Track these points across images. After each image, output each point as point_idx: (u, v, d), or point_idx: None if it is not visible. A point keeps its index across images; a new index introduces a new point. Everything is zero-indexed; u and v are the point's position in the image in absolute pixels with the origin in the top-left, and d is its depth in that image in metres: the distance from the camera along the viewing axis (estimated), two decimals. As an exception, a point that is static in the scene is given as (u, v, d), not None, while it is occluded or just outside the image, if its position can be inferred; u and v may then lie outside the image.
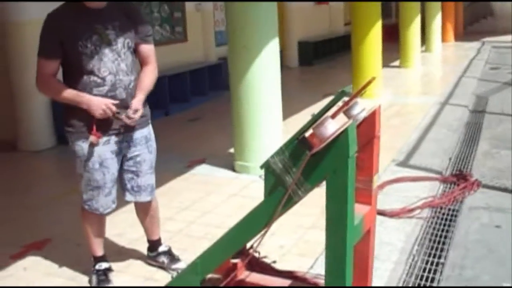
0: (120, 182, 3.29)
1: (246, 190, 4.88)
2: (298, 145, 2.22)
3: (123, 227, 4.09)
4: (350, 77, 10.92)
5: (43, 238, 4.08)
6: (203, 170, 5.54)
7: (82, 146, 3.07)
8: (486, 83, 10.80)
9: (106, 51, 3.01)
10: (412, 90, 10.53)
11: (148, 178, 3.30)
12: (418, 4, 13.48)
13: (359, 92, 2.35)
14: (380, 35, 9.23)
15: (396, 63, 13.26)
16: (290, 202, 2.27)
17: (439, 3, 16.34)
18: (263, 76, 5.10)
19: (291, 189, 2.23)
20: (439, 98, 8.84)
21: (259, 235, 2.39)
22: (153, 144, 3.31)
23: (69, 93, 2.99)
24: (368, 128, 2.47)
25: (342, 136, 2.12)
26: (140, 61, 3.26)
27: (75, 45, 2.96)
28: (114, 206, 3.27)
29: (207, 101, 9.38)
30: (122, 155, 3.19)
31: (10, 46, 6.83)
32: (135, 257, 3.68)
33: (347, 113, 2.39)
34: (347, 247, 2.23)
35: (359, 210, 2.46)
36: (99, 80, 3.00)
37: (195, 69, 9.08)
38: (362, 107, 2.41)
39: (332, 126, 2.14)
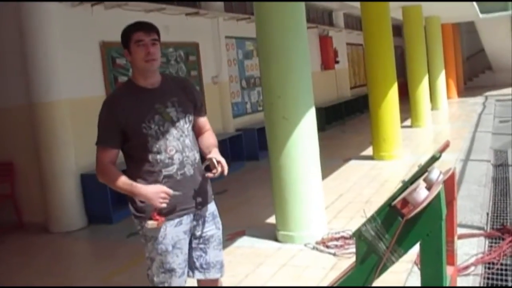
0: (188, 261, 3.19)
1: (296, 259, 4.87)
2: (390, 212, 2.29)
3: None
4: (364, 140, 11.15)
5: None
6: (246, 242, 5.52)
7: (154, 229, 3.01)
8: (500, 136, 10.96)
9: (170, 129, 2.98)
10: (430, 149, 10.50)
11: (216, 254, 3.24)
12: (426, 63, 13.81)
13: (437, 158, 2.45)
14: (397, 97, 9.42)
15: (407, 122, 13.41)
16: (384, 269, 2.33)
17: (442, 60, 16.71)
18: (303, 146, 5.15)
19: (386, 256, 2.30)
20: (459, 154, 8.93)
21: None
22: (219, 220, 3.28)
23: (124, 184, 2.91)
24: (447, 191, 2.56)
25: (435, 200, 2.21)
26: (197, 132, 3.23)
27: (138, 128, 2.91)
28: (186, 286, 3.21)
29: (230, 173, 9.42)
30: (191, 234, 3.15)
31: (39, 127, 6.84)
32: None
33: (426, 179, 2.47)
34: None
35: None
36: (167, 160, 2.95)
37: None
38: (439, 172, 2.50)
39: (424, 192, 2.23)
